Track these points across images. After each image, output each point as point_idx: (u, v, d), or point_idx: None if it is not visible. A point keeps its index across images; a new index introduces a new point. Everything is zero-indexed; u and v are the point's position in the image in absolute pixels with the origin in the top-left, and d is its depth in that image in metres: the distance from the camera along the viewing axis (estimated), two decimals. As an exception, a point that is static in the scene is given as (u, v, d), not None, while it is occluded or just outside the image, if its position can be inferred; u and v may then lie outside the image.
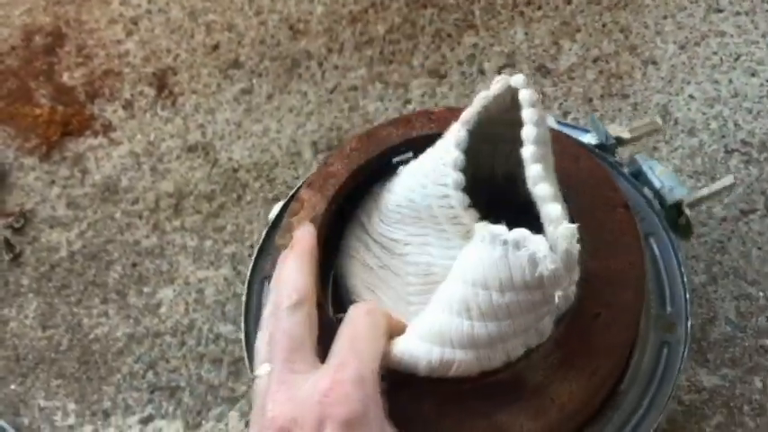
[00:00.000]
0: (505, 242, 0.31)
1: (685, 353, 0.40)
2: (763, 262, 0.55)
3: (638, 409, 0.39)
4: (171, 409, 0.55)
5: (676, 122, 0.62)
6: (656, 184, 0.47)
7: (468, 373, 0.33)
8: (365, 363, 0.31)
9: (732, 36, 0.66)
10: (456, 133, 0.38)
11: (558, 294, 0.32)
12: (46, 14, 0.75)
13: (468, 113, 0.38)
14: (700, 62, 0.65)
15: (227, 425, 0.54)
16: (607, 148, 0.50)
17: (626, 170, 0.49)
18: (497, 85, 0.37)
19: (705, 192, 0.48)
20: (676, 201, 0.47)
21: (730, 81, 0.64)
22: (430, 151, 0.40)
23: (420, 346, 0.33)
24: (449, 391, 0.35)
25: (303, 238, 0.38)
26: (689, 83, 0.64)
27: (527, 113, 0.35)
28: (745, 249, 0.56)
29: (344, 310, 0.40)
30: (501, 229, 0.32)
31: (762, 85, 0.64)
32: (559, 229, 0.31)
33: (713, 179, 0.59)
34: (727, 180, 0.49)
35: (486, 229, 0.32)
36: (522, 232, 0.31)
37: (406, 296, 0.40)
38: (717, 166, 0.59)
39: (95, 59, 0.72)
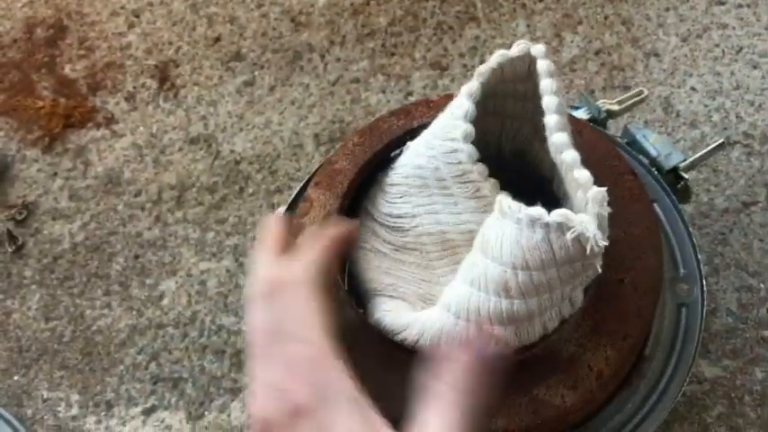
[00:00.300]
0: (547, 225, 0.30)
1: (704, 312, 0.41)
2: (764, 254, 0.55)
3: (665, 369, 0.40)
4: (173, 400, 0.55)
5: (678, 115, 0.62)
6: (652, 152, 0.48)
7: (507, 349, 0.33)
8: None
9: (734, 28, 0.66)
10: (469, 85, 0.37)
11: (597, 263, 0.32)
12: (47, 7, 0.75)
13: (484, 67, 0.37)
14: (702, 54, 0.65)
15: (229, 416, 0.54)
16: (599, 121, 0.50)
17: (621, 141, 0.49)
18: (518, 47, 0.36)
19: (699, 154, 0.49)
20: (673, 166, 0.47)
21: (732, 73, 0.64)
22: (440, 116, 0.40)
23: (457, 324, 0.33)
24: None
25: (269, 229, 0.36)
26: (691, 75, 0.64)
27: (546, 83, 0.35)
28: (747, 241, 0.56)
29: (363, 306, 0.40)
30: (539, 211, 0.31)
31: (763, 77, 0.63)
32: (590, 192, 0.30)
33: (715, 171, 0.59)
34: (718, 141, 0.50)
35: (523, 212, 0.31)
36: (563, 213, 0.30)
37: (429, 263, 0.39)
38: (718, 158, 0.59)
39: (97, 52, 0.72)
